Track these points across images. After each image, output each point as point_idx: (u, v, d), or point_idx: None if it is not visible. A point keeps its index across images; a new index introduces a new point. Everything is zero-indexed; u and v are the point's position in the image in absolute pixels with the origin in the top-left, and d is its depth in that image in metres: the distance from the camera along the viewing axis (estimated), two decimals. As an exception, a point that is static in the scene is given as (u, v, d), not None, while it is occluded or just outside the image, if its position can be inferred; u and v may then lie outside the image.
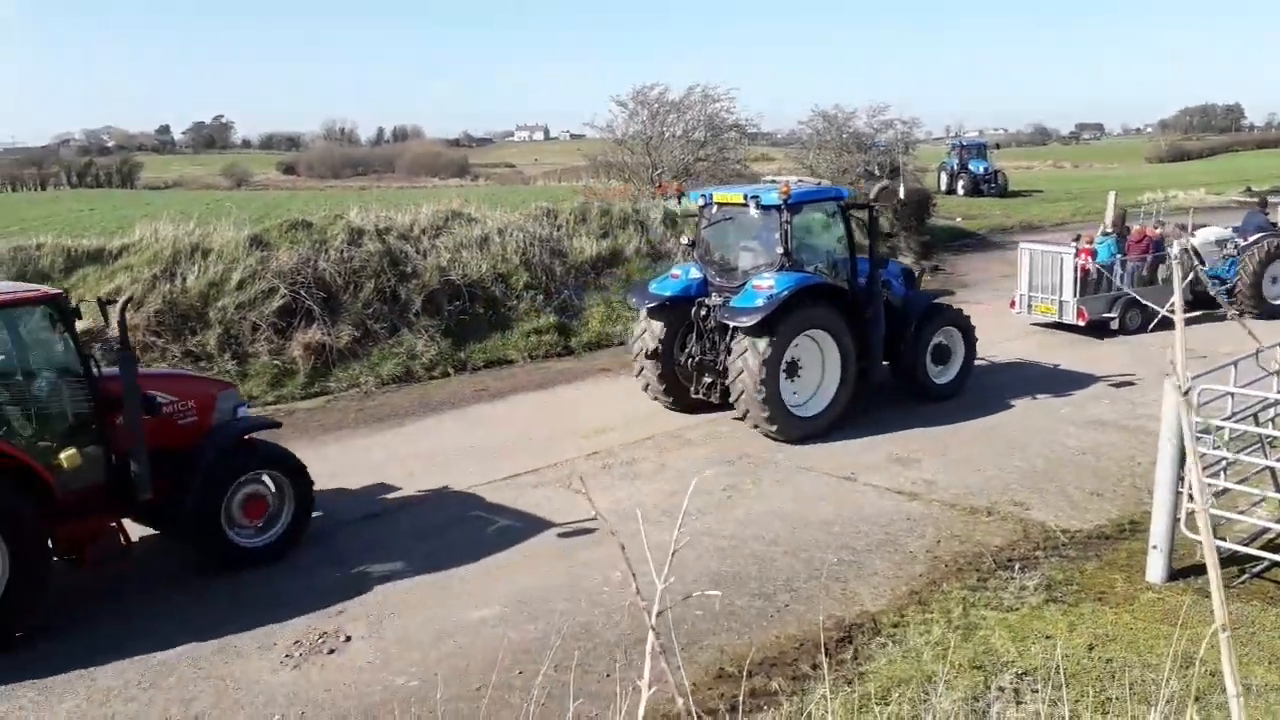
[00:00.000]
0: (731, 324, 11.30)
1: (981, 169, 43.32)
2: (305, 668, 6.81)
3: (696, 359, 12.24)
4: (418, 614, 7.55)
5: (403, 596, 7.85)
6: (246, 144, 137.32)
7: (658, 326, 12.36)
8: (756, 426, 11.47)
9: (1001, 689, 6.15)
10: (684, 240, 13.95)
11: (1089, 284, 16.78)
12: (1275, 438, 8.18)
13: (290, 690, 6.52)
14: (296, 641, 7.15)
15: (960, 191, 42.66)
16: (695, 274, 12.38)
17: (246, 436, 8.63)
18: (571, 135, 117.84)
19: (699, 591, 7.53)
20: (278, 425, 9.54)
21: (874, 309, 12.28)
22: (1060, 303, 16.78)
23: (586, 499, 6.52)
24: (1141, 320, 16.44)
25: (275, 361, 14.65)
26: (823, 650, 6.54)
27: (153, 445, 7.74)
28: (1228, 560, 7.80)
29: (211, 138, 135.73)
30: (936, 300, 13.68)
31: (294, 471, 8.61)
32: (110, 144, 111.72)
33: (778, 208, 11.53)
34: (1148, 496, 8.41)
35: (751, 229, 12.28)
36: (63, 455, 7.41)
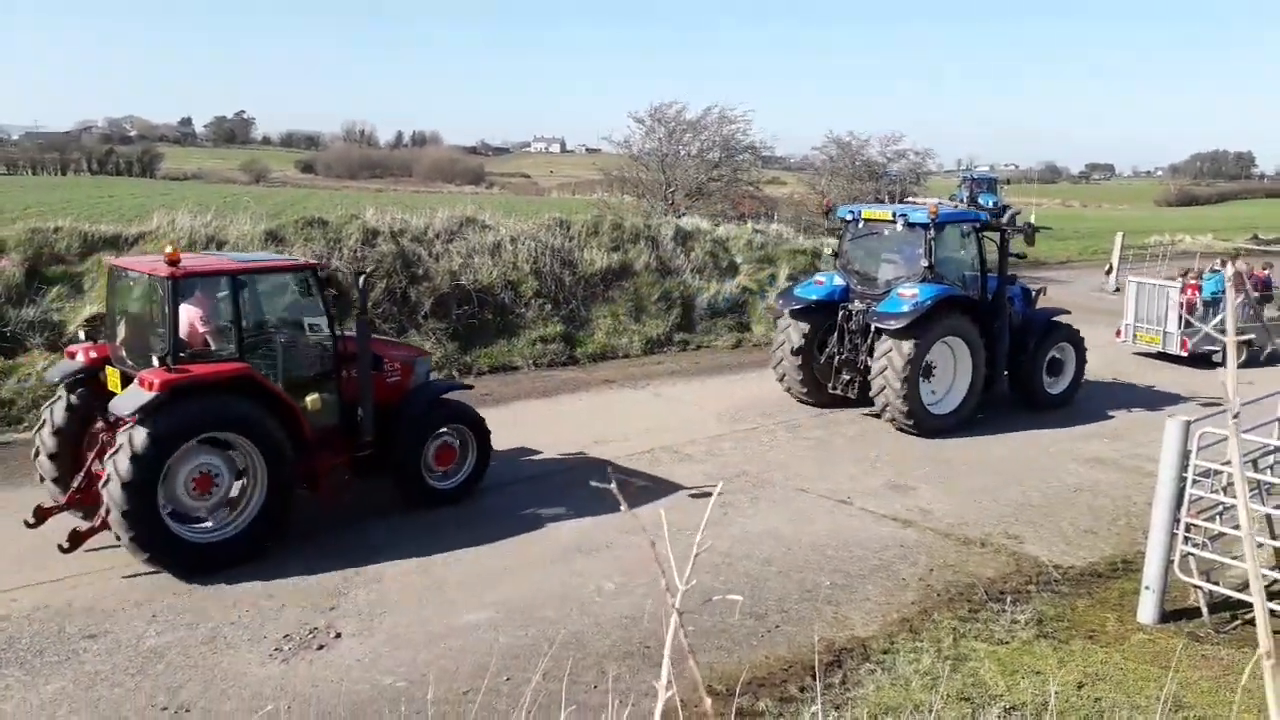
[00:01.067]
0: (880, 326, 12.59)
1: (991, 203, 43.45)
2: (294, 662, 6.83)
3: (839, 357, 13.51)
4: (409, 615, 7.57)
5: (395, 597, 7.87)
6: (266, 140, 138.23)
7: (801, 327, 13.71)
8: (893, 420, 12.75)
9: (988, 721, 6.15)
10: (828, 250, 15.36)
11: (1193, 317, 17.48)
12: (1273, 485, 8.19)
13: (278, 684, 6.54)
14: (286, 636, 7.17)
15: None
16: (838, 281, 13.72)
17: (441, 396, 10.05)
18: (588, 149, 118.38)
19: (719, 595, 7.58)
20: (470, 387, 11.54)
21: (1001, 322, 13.60)
22: (1164, 334, 17.64)
23: (617, 495, 6.53)
24: (1247, 354, 17.12)
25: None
26: (814, 674, 6.56)
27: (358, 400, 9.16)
28: (1220, 605, 7.81)
29: (232, 132, 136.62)
30: (1054, 318, 14.70)
31: (477, 427, 10.00)
32: (132, 133, 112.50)
33: (925, 225, 12.98)
34: (1142, 537, 8.43)
35: (896, 243, 13.64)
36: (309, 399, 8.85)
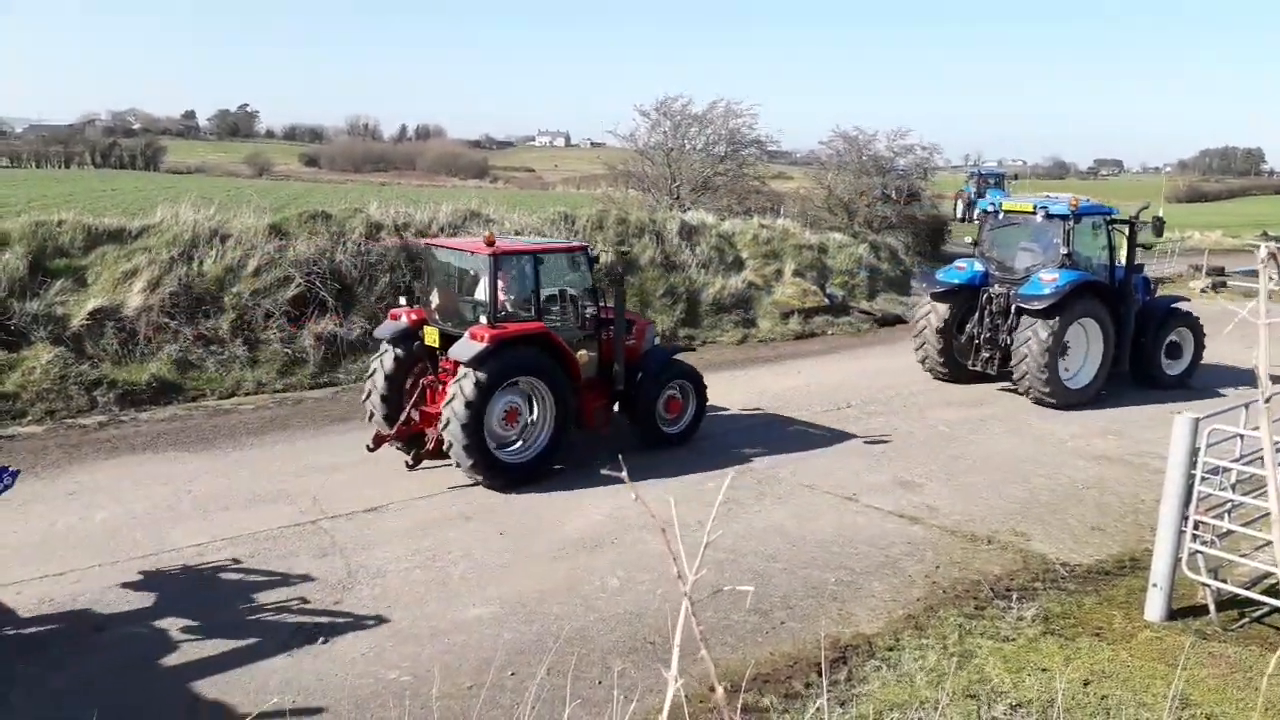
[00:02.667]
0: (1023, 307, 13.94)
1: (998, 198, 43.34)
2: (299, 656, 6.82)
3: (981, 337, 14.89)
4: (414, 609, 7.55)
5: (399, 591, 7.86)
6: (270, 134, 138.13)
7: (943, 308, 15.19)
8: (1029, 391, 14.10)
9: (995, 719, 6.12)
10: (968, 240, 16.61)
11: None
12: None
13: (283, 677, 6.52)
14: (293, 630, 7.16)
15: (976, 220, 42.63)
16: (978, 267, 15.11)
17: (672, 357, 12.06)
18: (592, 143, 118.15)
19: (729, 586, 7.57)
20: (693, 349, 14.19)
21: (1128, 307, 14.84)
22: None
23: (629, 487, 6.51)
24: None
25: (286, 350, 14.71)
26: (819, 670, 6.53)
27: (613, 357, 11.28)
28: (1228, 603, 7.77)
29: (236, 126, 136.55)
30: (1175, 305, 15.96)
31: (697, 383, 11.98)
32: (136, 126, 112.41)
33: (1064, 216, 14.33)
34: (1150, 534, 8.38)
35: (1035, 233, 14.90)
36: (579, 354, 10.89)
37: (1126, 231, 15.08)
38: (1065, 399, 14.02)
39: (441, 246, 11.31)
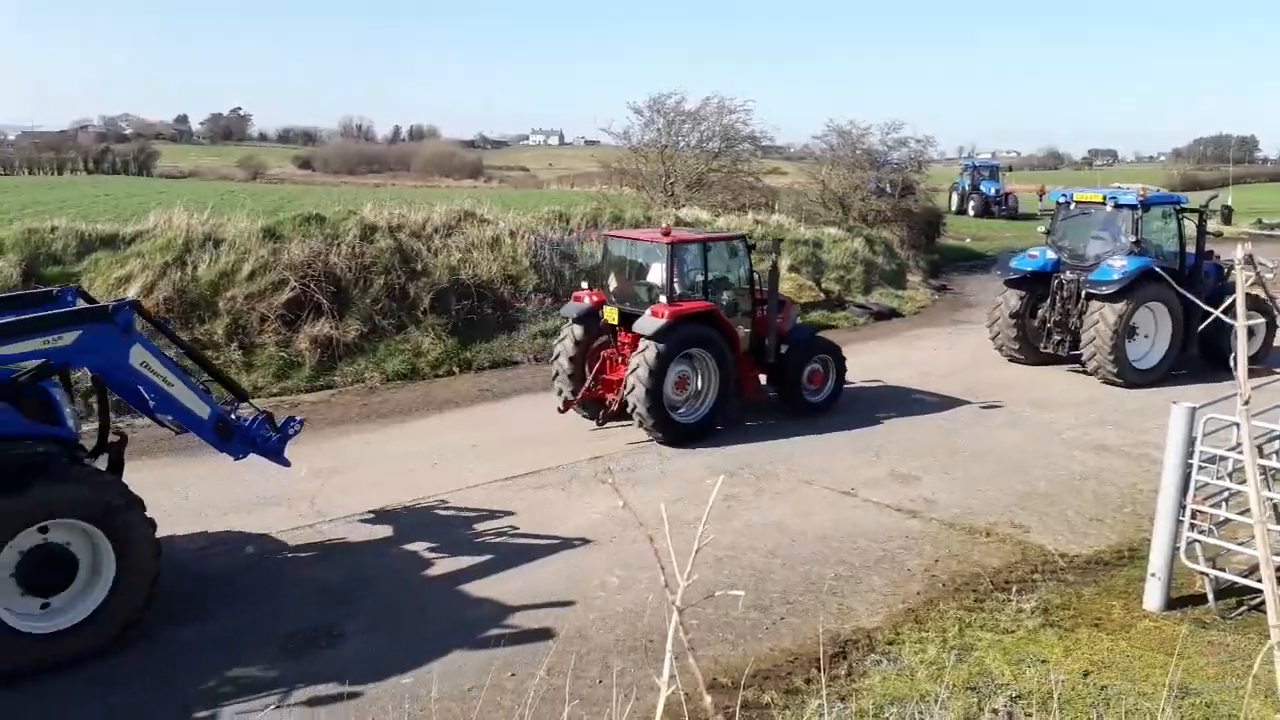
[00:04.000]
0: (1091, 292, 14.78)
1: (993, 190, 43.29)
2: (300, 659, 6.81)
3: (1052, 320, 15.73)
4: (414, 611, 7.55)
5: (400, 593, 7.86)
6: (263, 137, 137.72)
7: (1017, 294, 16.10)
8: (1097, 370, 14.83)
9: (995, 711, 6.13)
10: (1040, 229, 17.16)
11: None
12: (1278, 470, 8.14)
13: (284, 681, 6.52)
14: (293, 632, 7.16)
15: (971, 212, 42.62)
16: (1050, 255, 15.95)
17: (815, 334, 13.88)
18: (586, 141, 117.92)
19: (720, 590, 7.57)
20: (834, 326, 15.92)
21: (1196, 292, 14.86)
22: None
23: (615, 491, 6.51)
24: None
25: (282, 353, 14.70)
26: (818, 665, 6.53)
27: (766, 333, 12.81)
28: (1226, 592, 7.78)
29: (229, 129, 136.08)
30: (1249, 292, 16.14)
31: (837, 357, 13.41)
32: (128, 131, 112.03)
33: (1133, 206, 15.15)
34: (1148, 524, 8.38)
35: (1105, 222, 15.76)
36: (739, 329, 12.48)
37: (1196, 219, 15.82)
38: (1132, 379, 14.71)
39: (620, 237, 13.31)
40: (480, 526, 9.27)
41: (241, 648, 6.96)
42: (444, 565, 8.38)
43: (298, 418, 9.04)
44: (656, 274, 12.21)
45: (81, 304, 8.12)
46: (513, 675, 6.58)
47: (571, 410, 12.48)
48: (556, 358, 12.77)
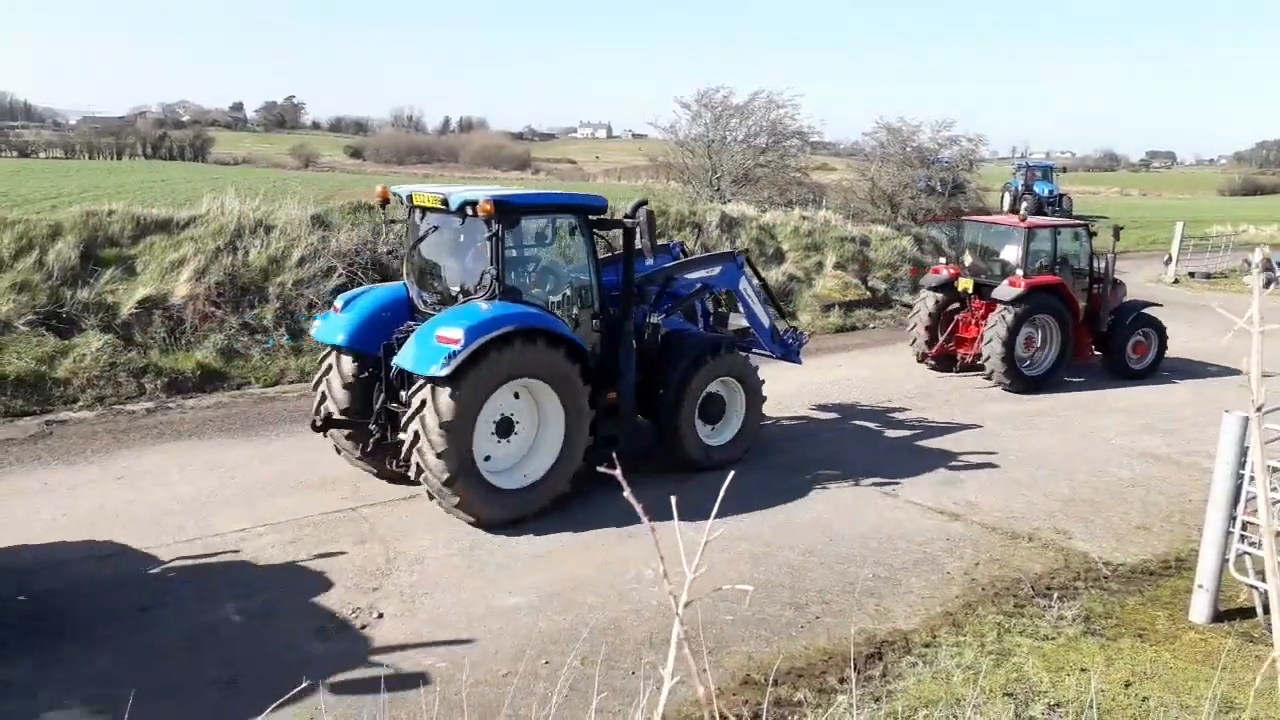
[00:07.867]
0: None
1: (1046, 191, 42.52)
2: (337, 640, 6.92)
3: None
4: (450, 597, 7.62)
5: (437, 578, 7.94)
6: (316, 125, 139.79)
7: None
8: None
9: (1032, 718, 6.04)
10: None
11: None
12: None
13: (321, 661, 6.61)
14: (332, 614, 7.27)
15: (1023, 213, 41.95)
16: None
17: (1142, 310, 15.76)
18: (634, 134, 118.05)
19: (728, 584, 7.53)
20: (1160, 305, 16.26)
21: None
22: None
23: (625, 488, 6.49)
24: None
25: (329, 339, 14.88)
26: (851, 665, 6.48)
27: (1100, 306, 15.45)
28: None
29: (282, 117, 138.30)
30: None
31: (1160, 331, 15.63)
32: (185, 118, 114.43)
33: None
34: (1196, 534, 8.20)
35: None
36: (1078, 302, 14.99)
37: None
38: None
39: (978, 221, 16.38)
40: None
41: (279, 629, 7.07)
42: (480, 552, 8.44)
43: (803, 332, 13.63)
44: (1011, 253, 14.85)
45: (681, 257, 12.10)
46: (546, 663, 6.61)
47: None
48: (915, 318, 15.58)
